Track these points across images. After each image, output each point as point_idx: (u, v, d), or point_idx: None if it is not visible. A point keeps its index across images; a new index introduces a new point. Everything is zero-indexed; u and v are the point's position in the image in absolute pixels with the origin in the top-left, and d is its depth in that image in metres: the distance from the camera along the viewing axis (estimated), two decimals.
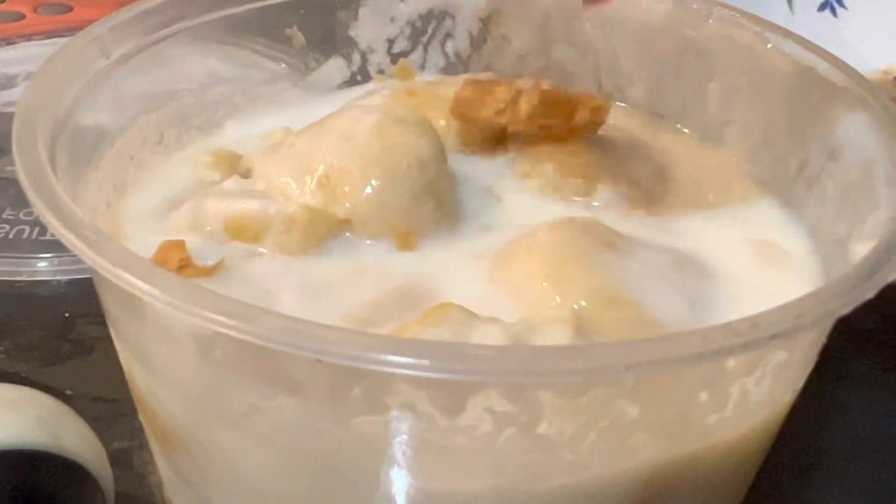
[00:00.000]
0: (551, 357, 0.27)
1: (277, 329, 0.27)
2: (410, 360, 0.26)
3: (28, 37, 0.65)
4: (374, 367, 0.26)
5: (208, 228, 0.36)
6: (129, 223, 0.37)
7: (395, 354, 0.26)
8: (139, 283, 0.28)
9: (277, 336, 0.26)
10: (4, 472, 0.32)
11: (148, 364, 0.33)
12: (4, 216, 0.51)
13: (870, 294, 0.29)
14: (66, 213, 0.30)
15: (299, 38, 0.45)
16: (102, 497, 0.34)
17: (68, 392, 0.42)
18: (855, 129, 0.37)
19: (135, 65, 0.40)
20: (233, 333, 0.27)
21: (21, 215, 0.51)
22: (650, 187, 0.40)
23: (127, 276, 0.28)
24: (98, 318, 0.44)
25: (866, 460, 0.42)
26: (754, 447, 0.34)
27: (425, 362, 0.26)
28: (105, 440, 0.39)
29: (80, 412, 0.39)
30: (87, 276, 0.47)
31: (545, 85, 0.38)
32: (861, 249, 0.32)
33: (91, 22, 0.39)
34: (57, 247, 0.48)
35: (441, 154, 0.37)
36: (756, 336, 0.27)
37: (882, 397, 0.45)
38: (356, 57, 0.46)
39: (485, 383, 0.27)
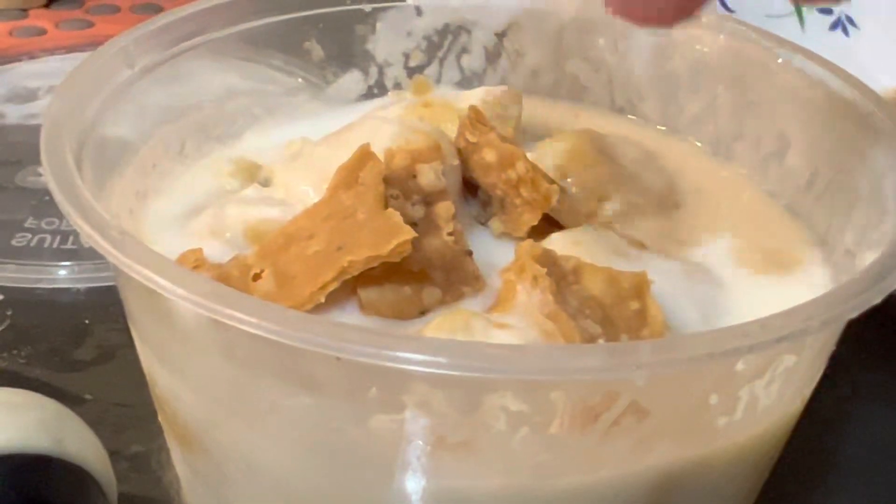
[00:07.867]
0: (565, 356, 0.28)
1: (299, 327, 0.27)
2: (428, 358, 0.26)
3: (50, 51, 0.66)
4: (392, 365, 0.27)
5: (228, 235, 0.36)
6: (151, 229, 0.38)
7: (412, 352, 0.27)
8: (163, 281, 0.28)
9: (298, 334, 0.27)
10: (8, 476, 0.32)
11: (169, 363, 0.33)
12: (26, 225, 0.51)
13: (877, 299, 0.29)
14: (92, 215, 0.31)
15: (317, 51, 0.45)
16: (105, 501, 0.35)
17: (87, 397, 0.42)
18: (864, 142, 0.37)
19: (157, 76, 0.40)
20: (255, 331, 0.27)
21: (42, 224, 0.51)
22: (661, 198, 0.40)
23: (151, 273, 0.28)
24: (117, 324, 0.45)
25: (877, 470, 0.42)
26: (764, 452, 0.34)
27: (442, 360, 0.26)
28: (123, 444, 0.40)
29: (99, 417, 0.40)
30: (107, 283, 0.48)
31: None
32: (869, 257, 0.32)
33: (111, 37, 0.39)
34: (77, 255, 0.49)
35: (455, 163, 0.37)
36: (765, 338, 0.28)
37: (893, 408, 0.45)
38: (373, 70, 0.46)
39: (499, 382, 0.28)
